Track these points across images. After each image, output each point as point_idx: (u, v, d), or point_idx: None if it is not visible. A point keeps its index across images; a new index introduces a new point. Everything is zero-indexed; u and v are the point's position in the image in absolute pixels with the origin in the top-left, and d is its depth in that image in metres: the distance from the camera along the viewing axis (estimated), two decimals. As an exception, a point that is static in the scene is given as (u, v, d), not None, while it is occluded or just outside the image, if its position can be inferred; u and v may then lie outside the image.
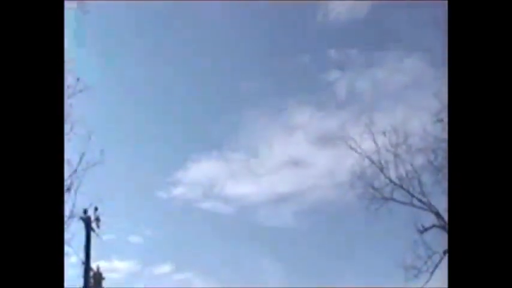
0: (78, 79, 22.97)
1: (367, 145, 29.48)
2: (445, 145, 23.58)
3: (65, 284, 9.95)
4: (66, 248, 22.21)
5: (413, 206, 27.98)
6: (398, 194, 28.42)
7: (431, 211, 27.39)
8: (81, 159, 24.30)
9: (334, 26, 42.92)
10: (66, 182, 23.12)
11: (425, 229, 27.37)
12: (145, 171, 46.08)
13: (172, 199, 47.91)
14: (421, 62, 36.70)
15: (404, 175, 28.42)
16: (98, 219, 25.93)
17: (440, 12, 17.58)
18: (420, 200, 27.80)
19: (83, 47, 27.56)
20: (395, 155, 28.73)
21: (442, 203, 26.37)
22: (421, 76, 35.44)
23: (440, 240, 26.50)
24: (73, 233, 24.71)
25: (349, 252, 41.74)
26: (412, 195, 27.98)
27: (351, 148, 29.87)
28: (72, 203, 24.36)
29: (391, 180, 28.60)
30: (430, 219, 27.52)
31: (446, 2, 9.23)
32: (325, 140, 39.22)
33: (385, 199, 28.47)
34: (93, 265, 26.51)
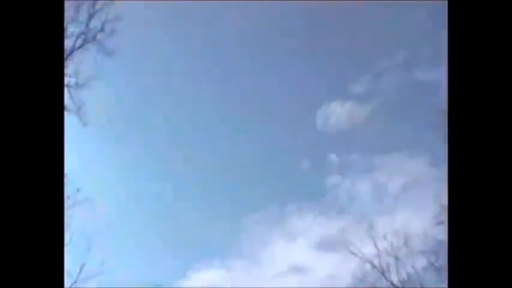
0: (78, 190, 23.12)
1: (368, 249, 29.56)
2: (446, 246, 23.56)
3: None
4: None
5: (415, 307, 27.83)
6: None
7: (434, 312, 27.21)
8: (81, 270, 24.18)
9: (334, 130, 43.45)
10: (66, 293, 22.91)
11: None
12: (145, 281, 45.62)
13: (173, 309, 47.14)
14: (421, 162, 37.04)
15: (405, 278, 28.38)
16: (98, 331, 25.56)
17: (440, 116, 18.05)
18: (422, 302, 27.65)
19: (82, 156, 27.90)
20: (397, 258, 28.75)
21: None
22: (421, 177, 35.67)
23: None
24: None
25: None
26: (414, 297, 27.85)
27: (352, 253, 29.90)
28: (73, 315, 24.09)
29: (392, 284, 28.50)
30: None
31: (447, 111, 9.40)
32: (326, 245, 39.07)
33: (388, 302, 28.32)
34: None
